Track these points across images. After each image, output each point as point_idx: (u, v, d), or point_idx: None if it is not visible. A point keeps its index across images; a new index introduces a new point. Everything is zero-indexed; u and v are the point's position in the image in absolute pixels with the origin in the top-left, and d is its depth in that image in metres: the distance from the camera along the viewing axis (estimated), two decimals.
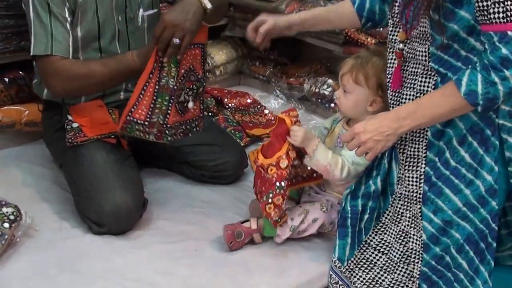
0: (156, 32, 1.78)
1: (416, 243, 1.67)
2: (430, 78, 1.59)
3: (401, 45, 1.63)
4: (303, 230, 1.86)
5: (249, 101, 2.89)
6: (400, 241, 1.72)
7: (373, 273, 1.75)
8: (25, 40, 2.21)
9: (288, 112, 1.81)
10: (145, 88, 1.80)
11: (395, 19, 1.66)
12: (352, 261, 1.77)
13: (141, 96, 1.81)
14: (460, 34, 1.50)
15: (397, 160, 1.72)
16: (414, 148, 1.65)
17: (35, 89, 2.14)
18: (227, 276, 1.75)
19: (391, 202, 1.75)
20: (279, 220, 1.82)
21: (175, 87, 1.83)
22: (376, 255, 1.76)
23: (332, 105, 2.69)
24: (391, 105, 1.69)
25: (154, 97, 1.82)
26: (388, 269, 1.74)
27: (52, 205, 2.02)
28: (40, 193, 2.08)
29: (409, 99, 1.63)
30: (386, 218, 1.77)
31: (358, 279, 1.76)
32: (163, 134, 1.89)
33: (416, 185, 1.65)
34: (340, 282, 1.78)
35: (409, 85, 1.64)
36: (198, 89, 1.95)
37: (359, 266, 1.77)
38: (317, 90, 2.84)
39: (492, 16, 1.41)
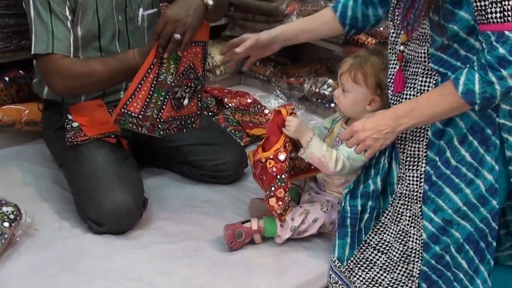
0: (157, 28, 1.77)
1: (416, 242, 1.67)
2: (430, 78, 1.60)
3: (401, 47, 1.64)
4: (303, 230, 1.87)
5: (249, 101, 2.89)
6: (399, 240, 1.72)
7: (372, 273, 1.75)
8: (26, 39, 2.21)
9: (285, 106, 1.83)
10: (142, 82, 1.80)
11: (396, 21, 1.66)
12: (351, 261, 1.78)
13: (138, 90, 1.81)
14: (460, 34, 1.51)
15: (397, 159, 1.72)
16: (415, 147, 1.65)
17: (35, 89, 2.14)
18: (227, 276, 1.75)
19: (390, 202, 1.75)
20: (284, 213, 1.81)
21: (173, 84, 1.83)
22: (376, 254, 1.77)
23: (332, 105, 2.69)
24: (391, 105, 1.69)
25: (151, 92, 1.82)
26: (388, 269, 1.74)
27: (52, 204, 2.02)
28: (40, 192, 2.08)
29: (409, 99, 1.64)
30: (385, 217, 1.77)
31: (358, 278, 1.76)
32: (156, 128, 1.89)
33: (416, 184, 1.65)
34: (339, 282, 1.79)
35: (409, 85, 1.65)
36: (197, 87, 1.95)
37: (359, 265, 1.77)
38: (317, 90, 2.84)
39: (489, 16, 1.41)
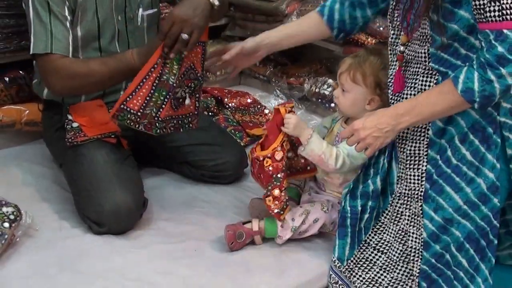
0: (164, 27, 1.76)
1: (415, 242, 1.67)
2: (431, 77, 1.60)
3: (401, 48, 1.64)
4: (304, 230, 1.87)
5: (249, 101, 2.89)
6: (399, 240, 1.72)
7: (372, 273, 1.75)
8: (26, 40, 2.21)
9: (285, 104, 1.83)
10: (144, 80, 1.80)
11: (395, 22, 1.66)
12: (351, 261, 1.78)
13: (139, 87, 1.80)
14: (460, 33, 1.51)
15: (397, 159, 1.72)
16: (415, 146, 1.65)
17: (35, 89, 2.14)
18: (227, 276, 1.75)
19: (390, 202, 1.75)
20: (282, 212, 1.81)
21: (174, 85, 1.83)
22: (376, 254, 1.77)
23: (332, 105, 2.69)
24: (391, 105, 1.69)
25: (152, 91, 1.82)
26: (388, 268, 1.74)
27: (52, 204, 2.02)
28: (40, 192, 2.08)
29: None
30: (385, 217, 1.77)
31: (358, 278, 1.76)
32: (153, 126, 1.89)
33: (418, 183, 1.65)
34: (340, 282, 1.79)
35: (410, 85, 1.65)
36: (196, 87, 1.95)
37: (359, 265, 1.77)
38: (317, 90, 2.84)
39: (488, 14, 1.42)
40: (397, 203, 1.73)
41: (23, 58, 2.25)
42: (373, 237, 1.78)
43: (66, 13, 1.87)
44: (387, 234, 1.76)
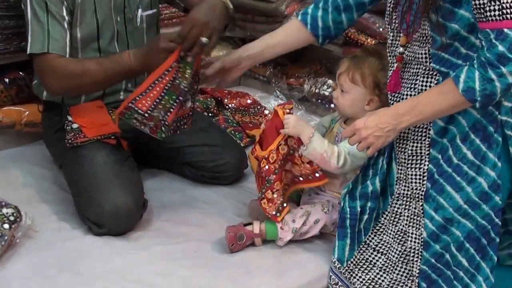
0: (183, 31, 1.76)
1: (415, 242, 1.67)
2: (431, 78, 1.60)
3: (401, 49, 1.65)
4: (305, 232, 1.87)
5: (249, 101, 2.89)
6: (398, 241, 1.72)
7: (372, 274, 1.75)
8: (25, 41, 2.20)
9: (284, 105, 1.83)
10: (156, 82, 1.78)
11: (394, 25, 1.66)
12: (351, 262, 1.78)
13: (150, 88, 1.79)
14: (461, 33, 1.51)
15: (396, 160, 1.72)
16: (417, 146, 1.65)
17: (35, 90, 2.14)
18: (227, 278, 1.75)
19: (390, 203, 1.75)
20: (278, 214, 1.82)
21: (186, 89, 1.82)
22: (376, 255, 1.77)
23: (332, 105, 2.69)
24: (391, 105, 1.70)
25: (163, 94, 1.80)
26: (387, 269, 1.74)
27: (52, 205, 2.02)
28: (40, 194, 2.08)
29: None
30: (385, 218, 1.77)
31: (358, 279, 1.76)
32: (159, 130, 1.87)
33: (419, 183, 1.65)
34: (340, 283, 1.79)
35: (410, 85, 1.65)
36: (196, 90, 1.95)
37: (359, 266, 1.77)
38: (317, 90, 2.84)
39: (488, 14, 1.42)
40: (396, 203, 1.73)
41: (23, 59, 2.24)
42: (372, 238, 1.78)
43: (64, 13, 1.87)
44: (387, 235, 1.76)
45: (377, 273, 1.75)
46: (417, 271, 1.67)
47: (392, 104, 1.69)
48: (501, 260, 1.81)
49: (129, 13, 2.03)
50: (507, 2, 1.40)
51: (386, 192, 1.76)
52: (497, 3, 1.40)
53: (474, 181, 1.60)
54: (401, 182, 1.71)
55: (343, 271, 1.77)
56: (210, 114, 2.71)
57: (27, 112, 2.36)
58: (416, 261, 1.67)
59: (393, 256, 1.73)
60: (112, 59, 1.89)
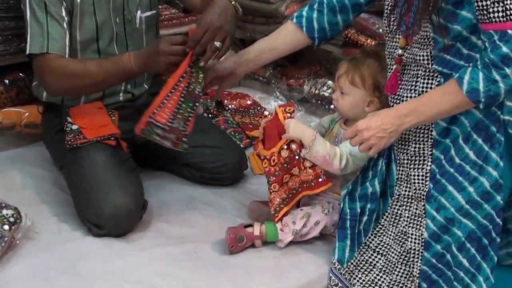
0: (196, 35, 1.75)
1: (415, 242, 1.67)
2: (433, 79, 1.60)
3: (400, 51, 1.65)
4: (305, 233, 1.86)
5: (249, 102, 2.89)
6: (398, 242, 1.72)
7: (372, 275, 1.75)
8: (25, 42, 2.21)
9: (285, 107, 1.83)
10: (172, 91, 1.76)
11: (392, 26, 1.66)
12: (351, 263, 1.77)
13: (167, 99, 1.76)
14: (463, 34, 1.51)
15: (396, 161, 1.72)
16: (419, 147, 1.65)
17: (35, 91, 2.14)
18: (227, 279, 1.75)
19: (390, 204, 1.75)
20: (276, 214, 1.83)
21: (200, 94, 1.80)
22: (376, 257, 1.77)
23: (332, 106, 2.69)
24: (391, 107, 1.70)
25: (180, 102, 1.77)
26: (387, 271, 1.74)
27: (52, 207, 2.02)
28: (40, 195, 2.08)
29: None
30: (385, 220, 1.77)
31: (358, 280, 1.76)
32: (180, 141, 1.83)
33: (422, 183, 1.65)
34: (340, 284, 1.79)
35: (409, 87, 1.65)
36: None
37: (359, 268, 1.77)
38: (317, 91, 2.84)
39: (491, 15, 1.42)
40: (396, 205, 1.73)
41: (23, 60, 2.24)
42: (373, 239, 1.78)
43: (63, 14, 1.87)
44: (387, 237, 1.76)
45: (377, 274, 1.75)
46: (418, 271, 1.67)
47: (392, 105, 1.69)
48: (500, 260, 1.81)
49: (128, 15, 2.03)
50: (511, 4, 1.40)
51: (386, 193, 1.76)
52: (501, 4, 1.41)
53: (476, 181, 1.60)
54: (402, 183, 1.71)
55: (343, 272, 1.77)
56: (210, 115, 2.71)
57: (27, 114, 2.36)
58: (417, 261, 1.67)
59: (393, 257, 1.73)
60: (112, 60, 1.89)
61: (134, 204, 1.88)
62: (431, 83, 1.60)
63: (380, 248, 1.77)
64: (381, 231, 1.77)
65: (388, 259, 1.74)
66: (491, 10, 1.42)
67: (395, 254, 1.73)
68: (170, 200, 2.11)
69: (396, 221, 1.73)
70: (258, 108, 2.87)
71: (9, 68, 2.33)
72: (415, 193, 1.67)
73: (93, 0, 1.93)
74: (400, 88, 1.68)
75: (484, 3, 1.43)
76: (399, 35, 1.65)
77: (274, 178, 1.80)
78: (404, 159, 1.69)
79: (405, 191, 1.70)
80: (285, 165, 1.80)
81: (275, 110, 1.85)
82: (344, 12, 1.84)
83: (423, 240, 1.65)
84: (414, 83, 1.64)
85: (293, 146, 1.80)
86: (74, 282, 1.69)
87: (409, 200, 1.69)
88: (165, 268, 1.77)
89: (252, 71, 3.06)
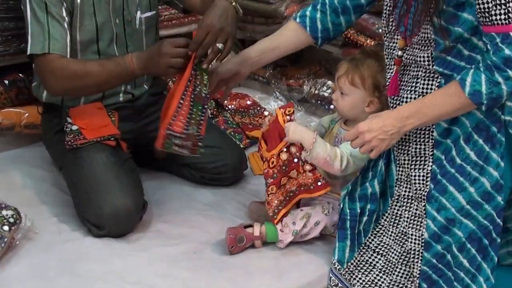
0: (198, 38, 1.75)
1: (415, 243, 1.67)
2: (433, 80, 1.60)
3: (399, 52, 1.64)
4: (305, 233, 1.86)
5: (248, 102, 2.89)
6: (398, 242, 1.72)
7: (372, 275, 1.75)
8: (25, 43, 2.19)
9: (285, 108, 1.83)
10: (183, 97, 1.74)
11: (391, 27, 1.66)
12: (351, 263, 1.77)
13: (180, 106, 1.74)
14: (464, 35, 1.51)
15: (396, 161, 1.72)
16: (420, 148, 1.65)
17: (34, 92, 2.14)
18: (227, 279, 1.75)
19: (390, 205, 1.75)
20: (275, 216, 1.83)
21: (208, 96, 1.80)
22: (376, 257, 1.77)
23: (332, 106, 2.69)
24: (391, 109, 1.70)
25: (191, 107, 1.76)
26: (387, 271, 1.74)
27: (51, 207, 2.01)
28: (39, 195, 2.08)
29: (411, 102, 1.64)
30: (385, 220, 1.77)
31: (358, 281, 1.76)
32: (197, 147, 1.81)
33: (423, 184, 1.65)
34: (340, 285, 1.78)
35: (409, 88, 1.65)
36: None
37: (359, 268, 1.77)
38: (316, 91, 2.84)
39: (493, 17, 1.43)
40: (396, 205, 1.73)
41: (22, 61, 2.25)
42: (372, 240, 1.78)
43: (64, 14, 1.87)
44: (387, 237, 1.76)
45: (377, 275, 1.75)
46: (418, 272, 1.67)
47: (393, 107, 1.69)
48: (500, 259, 1.81)
49: (128, 15, 2.03)
50: None
51: (386, 194, 1.76)
52: (503, 7, 1.41)
53: (477, 181, 1.60)
54: (402, 183, 1.71)
55: (343, 272, 1.77)
56: (209, 116, 2.71)
57: (27, 114, 2.36)
58: (417, 262, 1.67)
59: (393, 258, 1.73)
60: (114, 61, 1.89)
61: (134, 205, 1.88)
62: (432, 84, 1.60)
63: (380, 249, 1.76)
64: (381, 231, 1.77)
65: (388, 260, 1.74)
66: (493, 12, 1.42)
67: (395, 255, 1.73)
68: (170, 200, 2.11)
69: (396, 221, 1.73)
70: (258, 108, 2.87)
71: (9, 68, 2.33)
72: (415, 193, 1.67)
73: (93, 1, 1.93)
74: (400, 89, 1.68)
75: (486, 5, 1.43)
76: (398, 36, 1.65)
77: (272, 180, 1.81)
78: (404, 160, 1.69)
79: (405, 191, 1.70)
80: (284, 167, 1.81)
81: (275, 111, 1.85)
82: (346, 14, 1.84)
83: (423, 240, 1.65)
84: (414, 84, 1.64)
85: (293, 149, 1.80)
86: (74, 282, 1.69)
87: (409, 200, 1.69)
88: (165, 268, 1.77)
89: (252, 71, 3.08)
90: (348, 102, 1.85)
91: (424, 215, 1.65)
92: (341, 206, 1.80)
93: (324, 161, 1.75)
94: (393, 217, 1.74)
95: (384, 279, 1.74)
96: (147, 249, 1.85)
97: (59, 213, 1.99)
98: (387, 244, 1.75)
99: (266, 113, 2.82)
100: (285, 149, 1.80)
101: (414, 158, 1.67)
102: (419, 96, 1.62)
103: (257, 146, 2.50)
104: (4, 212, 1.77)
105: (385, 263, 1.75)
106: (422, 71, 1.62)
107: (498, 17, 1.42)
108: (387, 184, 1.76)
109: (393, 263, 1.73)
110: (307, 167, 1.80)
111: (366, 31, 2.58)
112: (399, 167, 1.71)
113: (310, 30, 1.87)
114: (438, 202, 1.63)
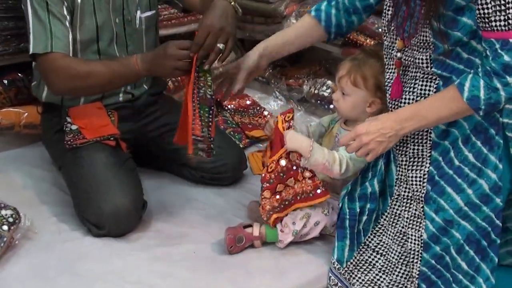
0: (199, 38, 1.74)
1: (415, 243, 1.67)
2: (431, 82, 1.60)
3: (398, 54, 1.64)
4: (305, 233, 1.86)
5: (248, 102, 2.88)
6: (397, 242, 1.72)
7: (371, 275, 1.75)
8: (24, 42, 2.21)
9: (286, 114, 1.83)
10: (194, 101, 1.75)
11: (390, 27, 1.66)
12: (351, 263, 1.77)
13: (194, 109, 1.74)
14: (463, 39, 1.51)
15: (395, 161, 1.72)
16: (418, 149, 1.65)
17: (34, 91, 2.14)
18: (227, 279, 1.75)
19: (389, 204, 1.75)
20: (268, 221, 1.83)
21: (213, 97, 1.79)
22: (375, 256, 1.77)
23: (332, 106, 2.69)
24: (390, 110, 1.70)
25: (199, 109, 1.76)
26: (387, 270, 1.74)
27: (51, 207, 2.01)
28: (39, 195, 2.08)
29: (408, 103, 1.64)
30: (384, 220, 1.77)
31: (357, 280, 1.76)
32: (210, 150, 1.82)
33: (420, 185, 1.65)
34: (339, 284, 1.79)
35: (408, 89, 1.65)
36: None
37: (358, 267, 1.77)
38: (316, 91, 2.84)
39: (493, 23, 1.43)
40: (396, 205, 1.73)
41: (21, 60, 2.25)
42: (372, 239, 1.78)
43: (65, 12, 1.87)
44: (386, 236, 1.76)
45: (377, 274, 1.75)
46: (417, 272, 1.67)
47: (392, 108, 1.69)
48: (500, 259, 1.81)
49: (128, 15, 2.03)
50: None
51: (386, 193, 1.76)
52: (503, 13, 1.41)
53: (475, 183, 1.60)
54: (401, 183, 1.71)
55: (343, 271, 1.77)
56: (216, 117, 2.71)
57: (26, 114, 2.36)
58: (416, 262, 1.67)
59: (393, 257, 1.73)
60: (119, 62, 1.88)
61: (133, 204, 1.88)
62: (430, 86, 1.60)
63: (380, 248, 1.76)
64: (381, 230, 1.77)
65: (388, 259, 1.74)
66: (492, 18, 1.42)
67: (395, 255, 1.73)
68: (169, 200, 2.11)
69: (396, 221, 1.73)
70: (258, 108, 2.87)
71: (8, 68, 2.33)
72: (413, 194, 1.67)
73: (93, 0, 1.93)
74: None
75: (486, 11, 1.43)
76: (397, 36, 1.65)
77: (268, 184, 1.80)
78: (402, 161, 1.69)
79: (405, 191, 1.70)
80: (282, 174, 1.80)
81: (277, 117, 1.85)
82: (357, 13, 1.85)
83: (422, 241, 1.66)
84: (412, 85, 1.64)
85: (293, 156, 1.80)
86: (73, 282, 1.69)
87: (409, 200, 1.69)
88: (165, 268, 1.77)
89: None
90: (350, 103, 1.84)
91: (423, 216, 1.65)
92: (340, 205, 1.80)
93: (323, 167, 1.75)
94: (393, 216, 1.74)
95: (384, 278, 1.74)
96: (147, 248, 1.84)
97: (58, 212, 1.98)
98: (387, 244, 1.75)
99: (265, 112, 2.82)
100: (284, 155, 1.79)
101: (412, 159, 1.67)
102: (417, 97, 1.62)
103: (256, 146, 2.54)
104: (3, 212, 1.77)
105: (384, 262, 1.75)
106: (420, 72, 1.62)
107: (498, 23, 1.42)
108: (386, 183, 1.76)
109: (393, 263, 1.73)
110: (307, 173, 1.80)
111: (366, 30, 2.58)
112: (399, 167, 1.71)
113: (325, 25, 1.87)
114: (436, 203, 1.63)
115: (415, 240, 1.67)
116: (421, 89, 1.62)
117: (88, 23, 1.94)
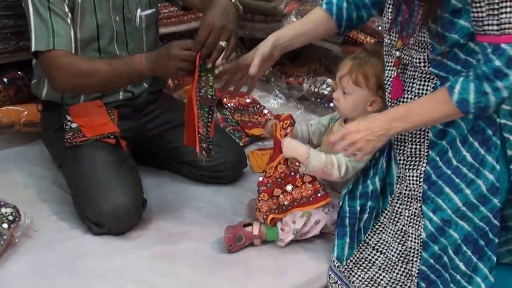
0: (201, 37, 1.74)
1: (415, 242, 1.67)
2: (429, 82, 1.60)
3: (397, 53, 1.64)
4: (306, 232, 1.86)
5: (248, 100, 2.88)
6: (398, 240, 1.72)
7: (371, 273, 1.75)
8: (24, 40, 2.21)
9: (284, 121, 1.84)
10: (196, 100, 1.74)
11: (390, 26, 1.66)
12: (351, 261, 1.78)
13: (198, 109, 1.74)
14: (460, 42, 1.51)
15: (395, 160, 1.72)
16: (415, 148, 1.65)
17: (34, 90, 2.14)
18: (227, 278, 1.75)
19: (389, 202, 1.75)
20: (266, 222, 1.83)
21: (214, 97, 1.78)
22: (375, 254, 1.77)
23: (331, 104, 2.69)
24: (389, 108, 1.70)
25: (198, 109, 1.76)
26: (387, 269, 1.74)
27: (51, 205, 2.01)
28: (39, 193, 2.08)
29: (407, 102, 1.64)
30: (384, 217, 1.77)
31: (357, 278, 1.76)
32: (209, 150, 1.82)
33: (416, 184, 1.65)
34: (339, 282, 1.79)
35: (407, 88, 1.65)
36: None
37: (358, 265, 1.77)
38: (316, 89, 2.84)
39: (486, 27, 1.43)
40: (396, 203, 1.73)
41: (21, 58, 2.25)
42: (372, 237, 1.78)
43: (66, 10, 1.87)
44: (386, 234, 1.76)
45: (376, 272, 1.75)
46: (416, 271, 1.68)
47: (390, 105, 1.69)
48: (500, 257, 1.82)
49: (128, 13, 2.03)
50: (506, 18, 1.40)
51: (386, 191, 1.77)
52: (496, 18, 1.41)
53: (473, 183, 1.60)
54: (402, 181, 1.71)
55: (342, 269, 1.77)
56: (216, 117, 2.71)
57: (26, 112, 2.36)
58: (416, 261, 1.68)
59: (393, 255, 1.73)
60: (122, 61, 1.88)
61: (133, 203, 1.88)
62: (427, 85, 1.60)
63: (380, 246, 1.77)
64: (380, 228, 1.77)
65: (388, 257, 1.74)
66: (486, 22, 1.42)
67: (395, 253, 1.73)
68: (169, 198, 2.11)
69: (396, 219, 1.73)
70: (258, 106, 2.87)
71: (8, 66, 2.33)
72: (411, 194, 1.67)
73: None
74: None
75: (480, 14, 1.43)
76: (396, 36, 1.65)
77: (264, 188, 1.81)
78: (400, 159, 1.69)
79: (405, 190, 1.70)
80: (279, 180, 1.81)
81: (275, 124, 1.86)
82: (366, 9, 1.85)
83: (421, 240, 1.66)
84: (410, 84, 1.64)
85: (291, 162, 1.79)
86: (73, 280, 1.69)
87: (409, 199, 1.69)
88: (165, 266, 1.77)
89: None
90: (351, 102, 1.82)
91: (421, 215, 1.65)
92: (341, 203, 1.80)
93: (322, 172, 1.75)
94: (393, 214, 1.74)
95: (384, 276, 1.74)
96: (147, 247, 1.84)
97: (58, 211, 1.98)
98: (387, 242, 1.75)
99: (265, 111, 2.82)
100: (282, 161, 1.80)
101: (409, 158, 1.67)
102: (415, 96, 1.62)
103: (256, 144, 2.54)
104: (3, 210, 1.77)
105: (384, 260, 1.75)
106: (418, 72, 1.62)
107: (490, 27, 1.42)
108: (387, 181, 1.76)
109: (393, 261, 1.73)
110: (307, 178, 1.80)
111: (366, 28, 2.57)
112: (398, 166, 1.71)
113: (336, 18, 1.86)
114: (434, 203, 1.63)
115: (415, 238, 1.67)
116: (419, 89, 1.62)
117: (88, 21, 1.94)
